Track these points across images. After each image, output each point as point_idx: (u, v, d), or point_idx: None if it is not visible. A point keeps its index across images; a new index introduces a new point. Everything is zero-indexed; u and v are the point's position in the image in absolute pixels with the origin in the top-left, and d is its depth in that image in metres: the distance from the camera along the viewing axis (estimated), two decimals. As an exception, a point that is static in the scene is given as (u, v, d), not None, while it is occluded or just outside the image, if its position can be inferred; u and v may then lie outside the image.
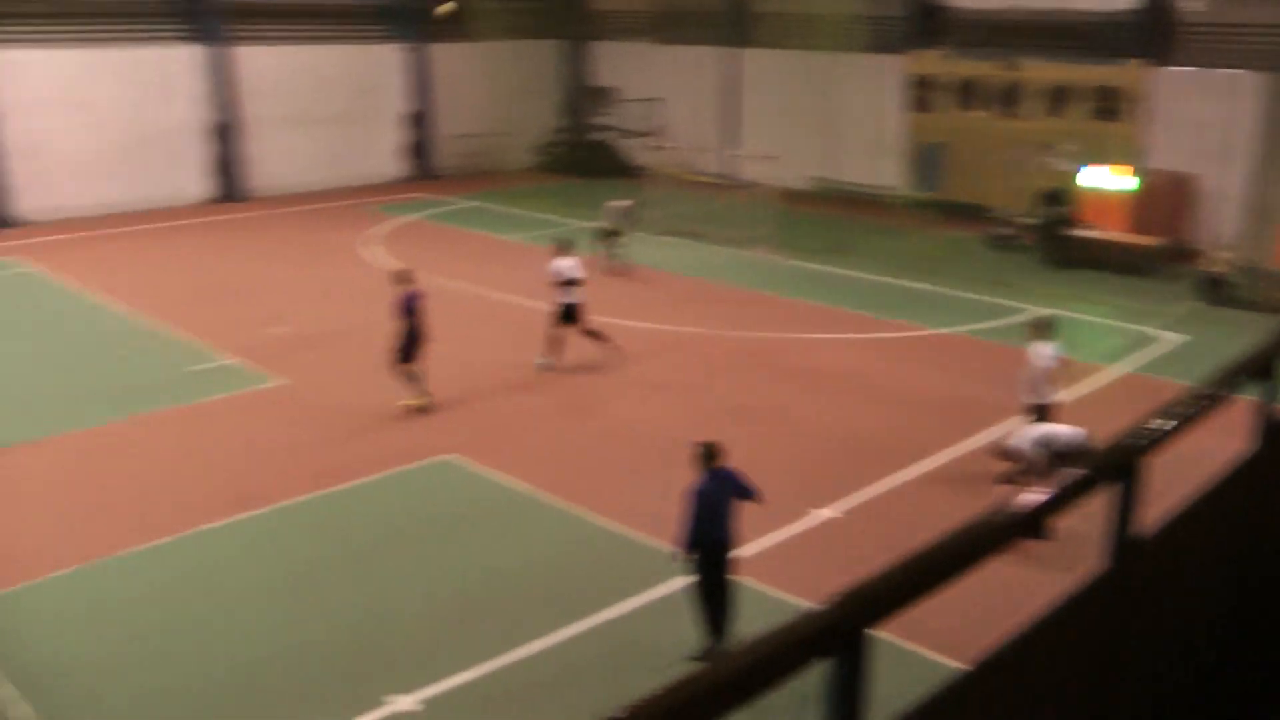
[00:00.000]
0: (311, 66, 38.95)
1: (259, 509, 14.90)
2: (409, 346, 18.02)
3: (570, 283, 20.15)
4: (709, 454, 11.11)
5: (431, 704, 10.67)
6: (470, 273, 27.21)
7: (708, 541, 10.95)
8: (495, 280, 26.56)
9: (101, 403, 18.92)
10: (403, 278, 18.16)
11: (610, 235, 27.50)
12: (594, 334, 20.56)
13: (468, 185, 40.36)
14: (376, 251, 29.79)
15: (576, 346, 20.40)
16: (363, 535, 14.24)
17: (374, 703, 10.65)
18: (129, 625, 12.28)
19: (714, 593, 11.11)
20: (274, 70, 38.19)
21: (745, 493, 11.19)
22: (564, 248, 20.54)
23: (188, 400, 18.86)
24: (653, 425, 17.63)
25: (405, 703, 10.65)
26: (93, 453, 16.96)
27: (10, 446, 17.14)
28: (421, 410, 18.09)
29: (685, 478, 11.25)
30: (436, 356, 19.85)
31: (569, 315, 20.24)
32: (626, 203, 27.79)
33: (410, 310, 17.94)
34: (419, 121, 41.92)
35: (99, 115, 35.15)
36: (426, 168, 42.20)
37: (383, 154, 41.53)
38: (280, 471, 16.07)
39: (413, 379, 18.15)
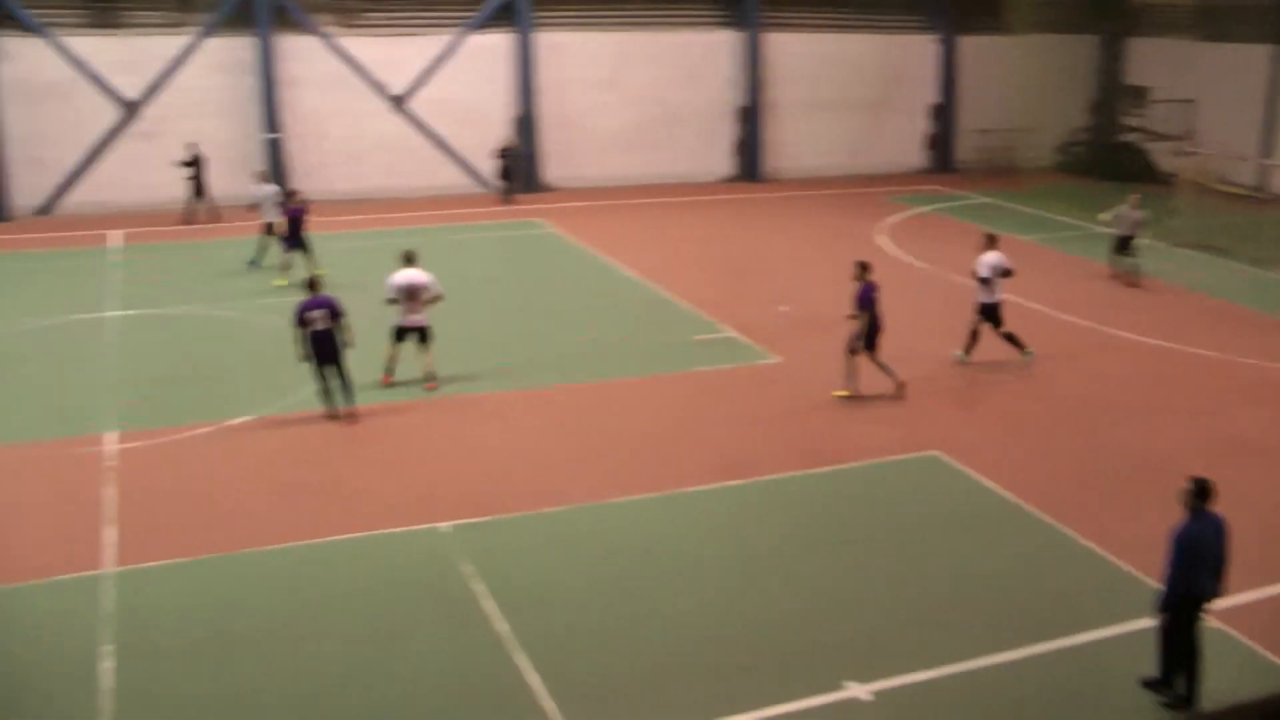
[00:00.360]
0: (839, 54, 39.47)
1: (743, 479, 15.37)
2: (869, 336, 18.01)
3: (996, 277, 19.64)
4: (1200, 493, 10.04)
5: (885, 697, 10.65)
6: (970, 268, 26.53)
7: (1189, 593, 10.00)
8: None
9: (607, 360, 20.24)
10: (864, 269, 18.10)
11: (1123, 241, 26.06)
12: (1011, 337, 19.91)
13: (983, 181, 39.54)
14: (884, 241, 29.80)
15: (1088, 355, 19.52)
16: (839, 519, 14.37)
17: (831, 686, 10.76)
18: (605, 568, 13.09)
19: (1185, 645, 10.24)
20: (801, 57, 39.06)
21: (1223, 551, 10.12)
22: (992, 241, 19.92)
23: (688, 367, 19.74)
24: (1147, 448, 16.59)
25: (861, 691, 10.69)
26: (594, 405, 18.19)
27: (503, 393, 18.70)
28: (849, 399, 18.19)
29: (1175, 513, 10.47)
30: (930, 353, 19.72)
31: (988, 312, 19.71)
32: (1139, 211, 26.17)
33: (868, 302, 17.92)
34: (940, 114, 41.51)
35: (629, 95, 37.50)
36: (944, 161, 41.78)
37: (901, 144, 41.46)
38: (768, 446, 16.51)
39: (853, 372, 18.26)
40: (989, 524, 14.34)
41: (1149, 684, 10.50)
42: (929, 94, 41.41)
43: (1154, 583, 11.57)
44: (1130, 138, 42.01)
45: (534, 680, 10.86)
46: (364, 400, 17.99)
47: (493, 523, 14.10)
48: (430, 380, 18.80)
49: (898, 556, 13.40)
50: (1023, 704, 10.65)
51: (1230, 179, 36.45)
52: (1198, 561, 9.91)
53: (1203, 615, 10.19)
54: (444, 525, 13.96)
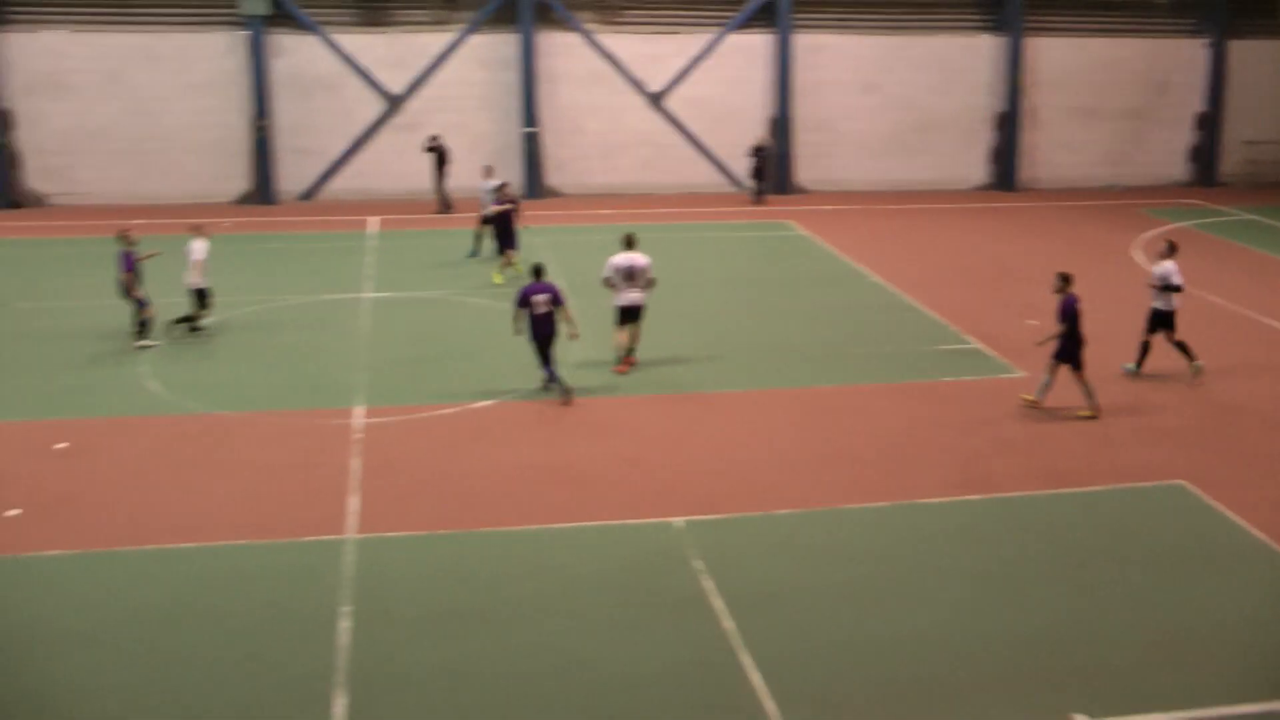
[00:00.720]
0: (1102, 59, 38.08)
1: (981, 494, 14.93)
2: (1071, 350, 17.38)
3: (1169, 288, 18.95)
4: None
5: (1119, 733, 10.15)
6: (1230, 289, 25.35)
7: None
8: (1256, 301, 24.54)
9: (848, 364, 19.99)
10: (1065, 281, 17.50)
11: None
12: (1183, 346, 19.10)
13: (1249, 196, 37.44)
14: (1140, 256, 28.55)
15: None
16: (1077, 543, 13.74)
17: (1059, 715, 10.30)
18: (835, 574, 12.87)
19: None
20: (1063, 62, 37.86)
21: None
22: (1170, 250, 19.25)
23: (931, 377, 19.33)
24: None
25: (1090, 725, 10.24)
26: (834, 409, 17.95)
27: (739, 391, 18.67)
28: (1032, 406, 17.71)
29: None
30: (1181, 375, 18.84)
31: (1161, 321, 19.06)
32: None
33: (1071, 314, 17.27)
34: (1206, 123, 39.42)
35: (885, 99, 37.04)
36: (1207, 174, 39.67)
37: (1164, 155, 39.62)
38: (1007, 462, 15.98)
39: (1049, 385, 17.68)
40: (1237, 563, 13.41)
41: None
42: (1195, 102, 39.37)
43: None
44: None
45: (756, 680, 10.75)
46: (607, 392, 18.37)
47: (726, 521, 14.05)
48: (629, 356, 19.50)
49: (1137, 588, 12.69)
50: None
51: None
52: None
53: None
54: (677, 520, 13.98)
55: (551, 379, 18.14)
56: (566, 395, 17.90)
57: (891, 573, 12.90)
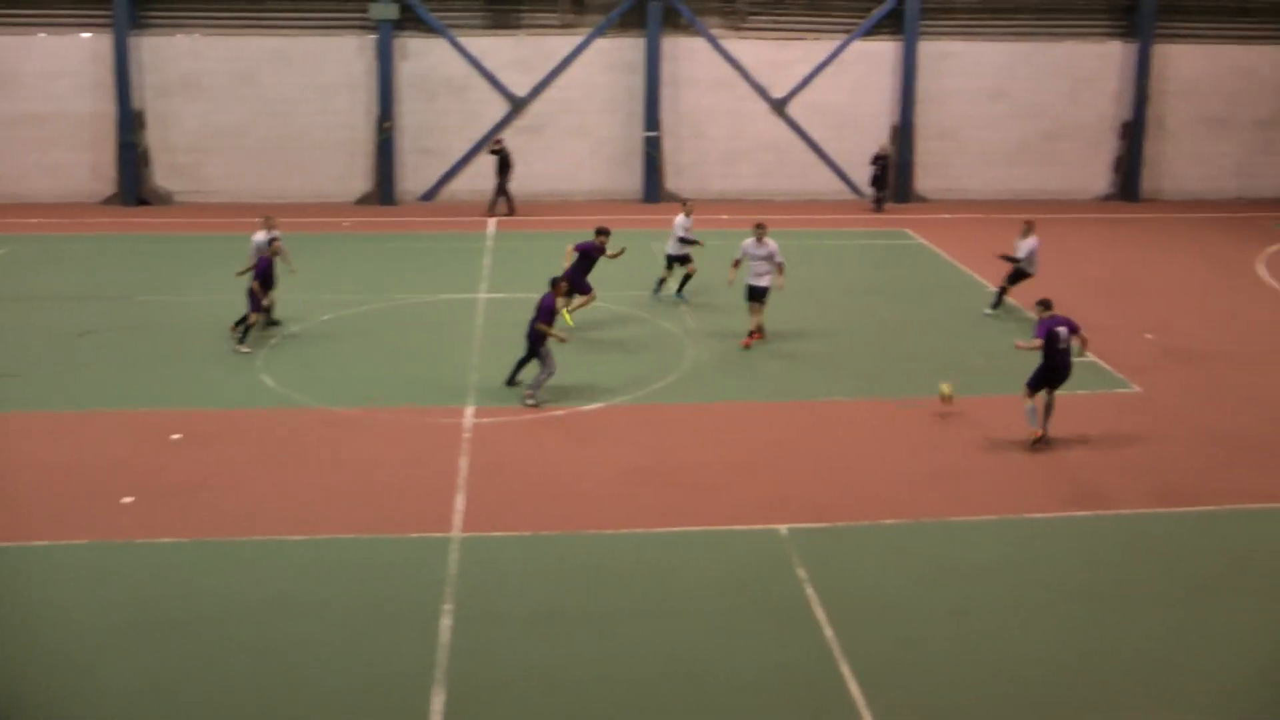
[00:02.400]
0: (1234, 67, 36.92)
1: (1092, 510, 14.65)
2: (1044, 375, 16.55)
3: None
4: None
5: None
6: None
7: None
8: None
9: (962, 375, 19.27)
10: (1045, 306, 16.60)
11: None
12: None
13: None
14: (1263, 271, 27.59)
15: None
16: (1193, 565, 13.40)
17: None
18: (939, 587, 12.68)
19: None
20: (1194, 70, 36.78)
21: None
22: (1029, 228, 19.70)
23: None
24: None
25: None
26: (945, 420, 17.70)
27: (851, 400, 18.47)
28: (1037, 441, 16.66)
29: None
30: None
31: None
32: None
33: (1047, 338, 16.27)
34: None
35: (1011, 107, 36.33)
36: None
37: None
38: (1121, 479, 15.64)
39: (1035, 411, 16.69)
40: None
41: None
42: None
43: None
44: None
45: (855, 691, 10.69)
46: (719, 396, 18.52)
47: (832, 530, 13.98)
48: (757, 332, 20.93)
49: (1255, 613, 12.31)
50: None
51: None
52: None
53: None
54: (782, 528, 13.92)
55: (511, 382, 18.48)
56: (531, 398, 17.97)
57: (998, 587, 12.72)
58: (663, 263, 24.02)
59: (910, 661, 11.19)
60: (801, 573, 12.77)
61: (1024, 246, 23.09)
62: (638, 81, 34.84)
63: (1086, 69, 36.42)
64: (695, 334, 21.59)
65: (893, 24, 35.48)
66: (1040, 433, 16.60)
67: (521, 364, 18.34)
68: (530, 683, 10.74)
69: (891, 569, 13.06)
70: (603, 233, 22.17)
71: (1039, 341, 16.37)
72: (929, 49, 35.55)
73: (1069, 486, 15.30)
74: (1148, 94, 36.33)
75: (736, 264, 21.12)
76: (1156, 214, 35.20)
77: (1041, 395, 16.70)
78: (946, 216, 33.84)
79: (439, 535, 13.54)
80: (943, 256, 28.69)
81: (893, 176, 35.53)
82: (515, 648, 11.30)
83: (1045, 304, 16.72)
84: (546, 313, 17.83)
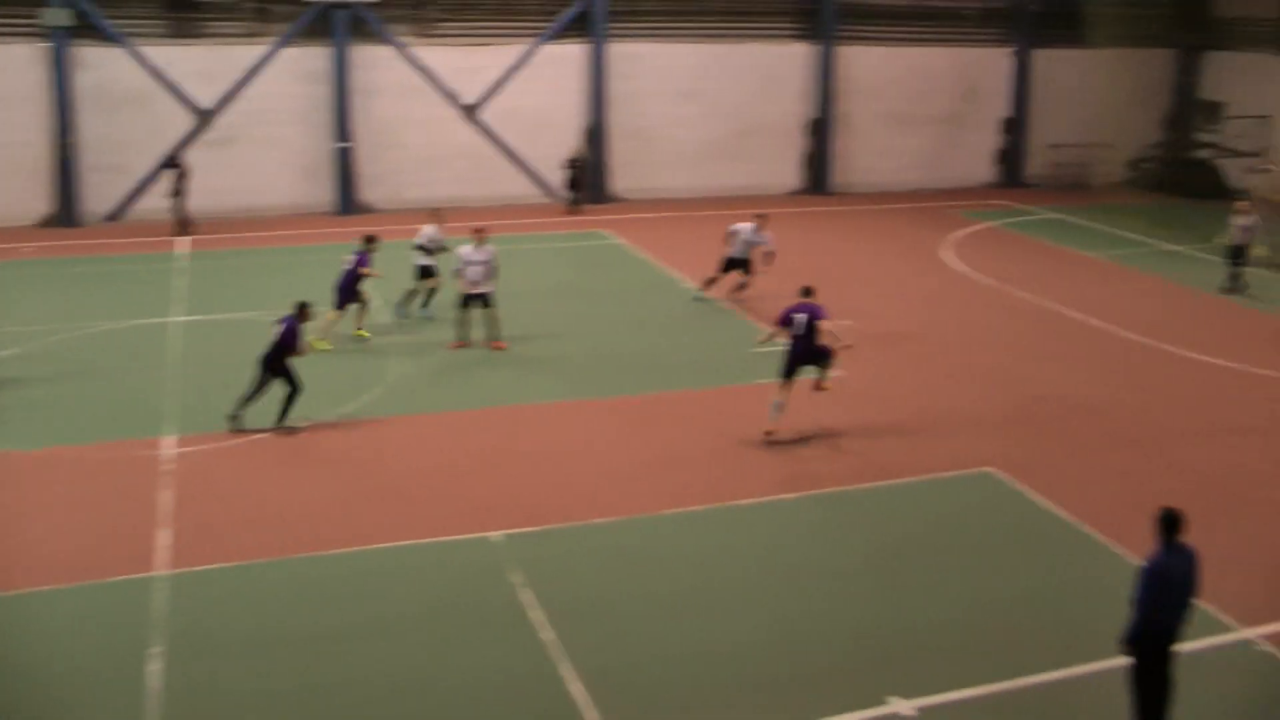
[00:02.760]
0: (913, 67, 39.19)
1: (802, 492, 15.31)
2: (793, 364, 17.18)
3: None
4: (1170, 523, 9.63)
5: (928, 713, 10.57)
6: (1033, 283, 26.46)
7: (1156, 630, 9.62)
8: (1057, 294, 25.60)
9: (665, 371, 20.24)
10: (807, 292, 17.54)
11: (1236, 251, 25.67)
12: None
13: (1053, 197, 38.95)
14: (948, 255, 29.47)
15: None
16: (893, 534, 14.25)
17: (875, 700, 10.71)
18: (655, 581, 13.05)
19: (1152, 686, 9.79)
20: (876, 70, 38.77)
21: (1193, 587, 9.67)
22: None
23: (748, 380, 19.55)
24: (1211, 469, 16.31)
25: (904, 707, 10.61)
26: (652, 416, 18.14)
27: (558, 402, 18.75)
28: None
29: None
30: (990, 368, 19.57)
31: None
32: (1249, 217, 25.63)
33: (788, 324, 17.18)
34: (1012, 128, 40.97)
35: (701, 106, 37.40)
36: (1015, 175, 41.19)
37: (973, 159, 41.00)
38: (827, 460, 16.43)
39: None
40: (1043, 543, 14.15)
41: None
42: (1002, 108, 40.90)
43: (1216, 608, 11.37)
44: (1203, 154, 41.16)
45: (578, 690, 10.85)
46: (426, 408, 18.41)
47: (545, 532, 14.11)
48: (496, 341, 21.17)
49: (950, 572, 13.27)
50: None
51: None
52: (1165, 596, 9.54)
53: (1172, 654, 9.76)
54: (495, 534, 13.98)
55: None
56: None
57: (711, 577, 13.11)
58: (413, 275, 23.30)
59: (630, 657, 11.44)
60: (516, 578, 12.86)
61: (741, 235, 24.43)
62: (328, 91, 34.26)
63: (774, 69, 37.87)
64: (405, 347, 21.46)
65: (581, 27, 35.89)
66: (773, 429, 16.94)
67: (254, 394, 17.37)
68: (249, 713, 10.50)
69: (607, 566, 13.31)
70: (371, 240, 22.11)
71: (777, 330, 17.10)
72: (619, 51, 36.18)
73: (779, 471, 15.93)
74: (832, 93, 38.11)
75: (459, 273, 20.94)
76: (847, 206, 36.91)
77: (793, 384, 17.05)
78: (643, 216, 34.57)
79: (141, 576, 12.91)
80: (641, 255, 29.28)
81: (588, 178, 36.12)
82: (231, 680, 10.96)
83: (805, 290, 17.40)
84: (290, 337, 17.17)
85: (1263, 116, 38.81)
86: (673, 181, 37.35)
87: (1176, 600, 9.60)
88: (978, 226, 33.60)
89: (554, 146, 35.79)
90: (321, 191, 34.39)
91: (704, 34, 37.19)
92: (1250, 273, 26.27)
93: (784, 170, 38.78)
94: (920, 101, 39.55)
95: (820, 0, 37.60)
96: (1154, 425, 18.04)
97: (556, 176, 35.81)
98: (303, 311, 17.50)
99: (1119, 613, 12.12)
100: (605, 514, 14.60)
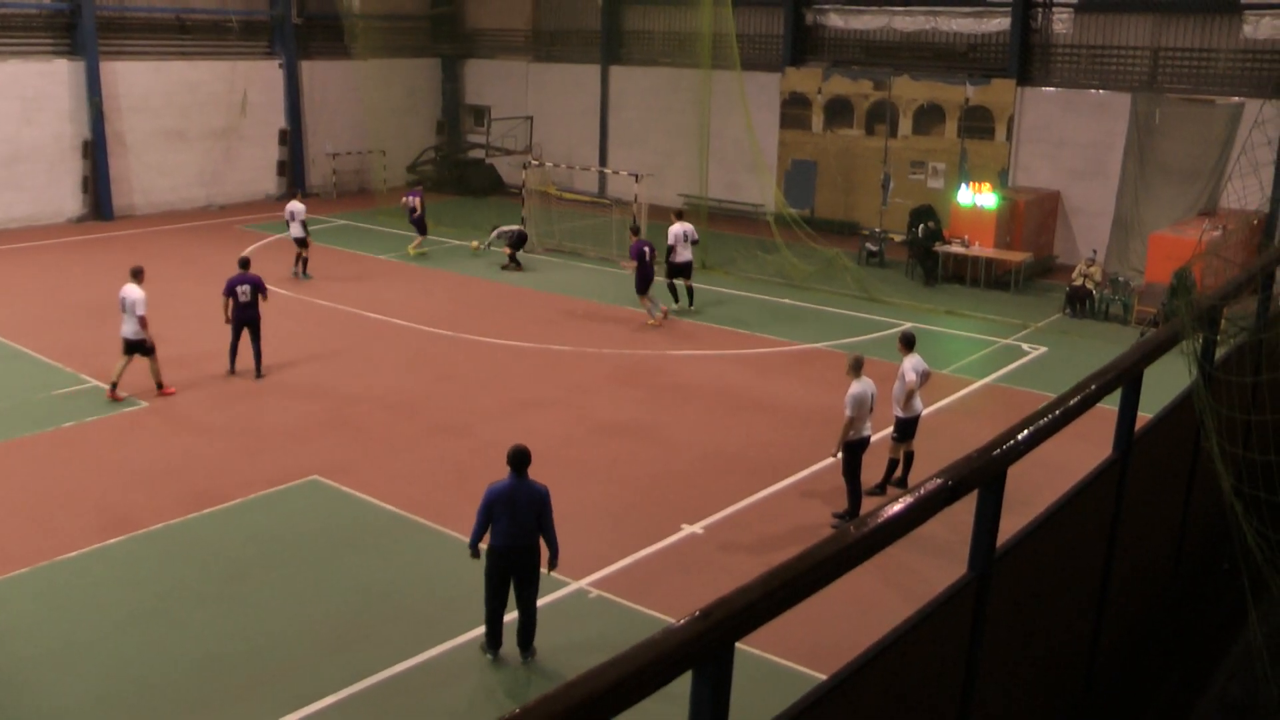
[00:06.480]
0: (183, 82, 38.31)
1: (127, 534, 14.53)
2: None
3: None
4: (517, 459, 11.28)
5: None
6: (336, 291, 27.12)
7: (496, 546, 11.22)
8: (362, 299, 26.42)
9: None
10: (635, 232, 19.47)
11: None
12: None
13: (338, 204, 39.98)
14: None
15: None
16: (232, 558, 14.00)
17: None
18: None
19: (500, 599, 11.44)
20: (146, 86, 37.47)
21: (544, 527, 11.35)
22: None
23: (53, 425, 18.28)
24: (532, 440, 17.42)
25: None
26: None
27: None
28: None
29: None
30: (300, 373, 19.75)
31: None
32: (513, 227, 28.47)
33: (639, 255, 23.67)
34: (291, 139, 41.32)
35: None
36: (299, 186, 41.41)
37: (255, 172, 40.85)
38: (151, 495, 15.72)
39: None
40: (378, 537, 14.60)
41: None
42: (279, 119, 41.10)
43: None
44: (476, 154, 44.14)
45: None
46: None
47: None
48: None
49: (295, 583, 13.32)
50: (439, 697, 11.00)
51: (573, 188, 39.67)
52: (497, 516, 11.16)
53: (521, 573, 11.37)
54: None
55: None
56: None
57: (36, 643, 12.02)
58: None
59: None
60: None
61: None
62: None
63: (36, 89, 35.22)
64: None
65: None
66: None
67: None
68: None
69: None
70: None
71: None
72: None
73: (101, 515, 15.00)
74: (102, 111, 36.22)
75: None
76: (132, 229, 35.33)
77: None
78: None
79: None
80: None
81: None
82: None
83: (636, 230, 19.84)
84: None
85: (526, 117, 42.62)
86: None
87: (510, 524, 11.16)
88: (268, 239, 33.50)
89: None
90: None
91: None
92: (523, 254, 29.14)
93: (62, 196, 36.18)
94: (194, 116, 38.79)
95: (79, 14, 35.56)
96: (464, 411, 19.11)
97: None
98: None
99: (456, 591, 12.91)
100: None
